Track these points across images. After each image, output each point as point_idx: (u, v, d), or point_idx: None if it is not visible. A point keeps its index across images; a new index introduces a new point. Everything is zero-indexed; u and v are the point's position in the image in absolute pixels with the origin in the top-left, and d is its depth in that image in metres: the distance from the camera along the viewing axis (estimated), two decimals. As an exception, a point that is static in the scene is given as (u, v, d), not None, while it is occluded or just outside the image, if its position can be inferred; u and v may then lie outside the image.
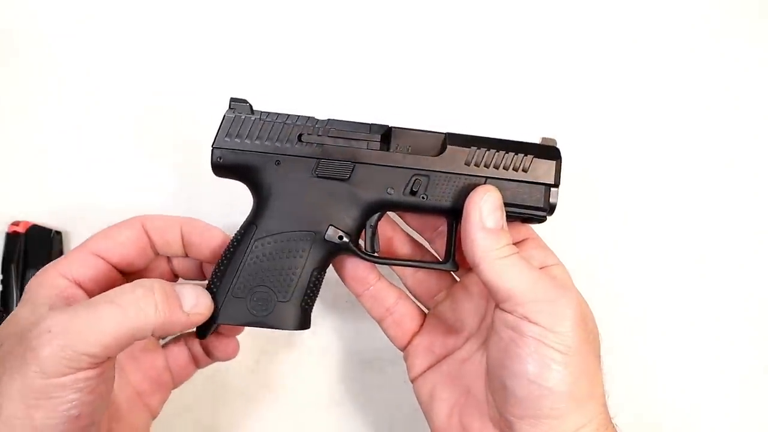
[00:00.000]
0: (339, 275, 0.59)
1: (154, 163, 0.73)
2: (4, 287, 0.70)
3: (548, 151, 0.54)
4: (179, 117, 0.73)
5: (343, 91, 0.73)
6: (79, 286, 0.49)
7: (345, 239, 0.53)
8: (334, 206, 0.53)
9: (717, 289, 0.71)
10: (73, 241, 0.73)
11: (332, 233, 0.53)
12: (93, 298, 0.44)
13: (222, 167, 0.54)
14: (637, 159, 0.72)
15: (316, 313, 0.71)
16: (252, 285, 0.52)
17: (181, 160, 0.72)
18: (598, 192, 0.72)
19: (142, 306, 0.44)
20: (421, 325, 0.60)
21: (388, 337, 0.60)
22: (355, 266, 0.58)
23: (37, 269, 0.68)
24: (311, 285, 0.53)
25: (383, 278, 0.59)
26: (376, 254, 0.56)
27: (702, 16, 0.73)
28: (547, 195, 0.53)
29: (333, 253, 0.54)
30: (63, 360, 0.41)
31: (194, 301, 0.48)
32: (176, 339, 0.60)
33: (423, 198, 0.53)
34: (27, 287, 0.48)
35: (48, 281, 0.48)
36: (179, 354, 0.59)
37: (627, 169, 0.72)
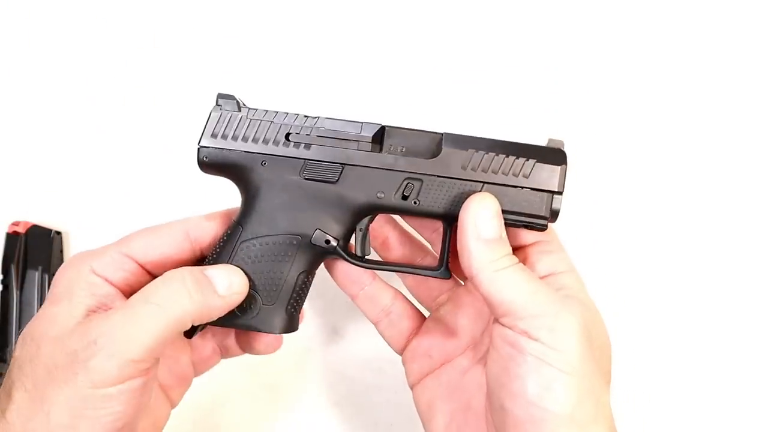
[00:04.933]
0: (332, 277, 0.57)
1: (154, 162, 0.73)
2: (4, 287, 0.70)
3: (553, 155, 0.50)
4: (180, 115, 0.73)
5: (341, 88, 0.73)
6: (111, 284, 0.48)
7: (332, 243, 0.51)
8: (322, 210, 0.51)
9: (722, 294, 0.70)
10: (73, 241, 0.73)
11: (319, 237, 0.51)
12: (129, 300, 0.44)
13: (208, 166, 0.52)
14: (640, 158, 0.72)
15: (316, 312, 0.72)
16: None
17: (181, 159, 0.72)
18: (599, 193, 0.71)
19: (176, 298, 0.44)
20: (419, 328, 0.57)
21: (384, 339, 0.58)
22: (347, 268, 0.56)
23: (37, 269, 0.70)
24: (297, 289, 0.51)
25: (378, 279, 0.57)
26: (364, 258, 0.53)
27: (707, 17, 0.73)
28: (549, 202, 0.49)
29: (320, 256, 0.52)
30: (112, 370, 0.41)
31: (227, 283, 0.47)
32: (201, 334, 0.58)
33: (415, 203, 0.50)
34: (57, 280, 0.48)
35: (82, 278, 0.47)
36: (203, 347, 0.57)
37: (629, 169, 0.72)
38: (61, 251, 0.72)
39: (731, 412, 0.69)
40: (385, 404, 0.70)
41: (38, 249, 0.70)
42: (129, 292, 0.47)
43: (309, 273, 0.52)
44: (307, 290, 0.53)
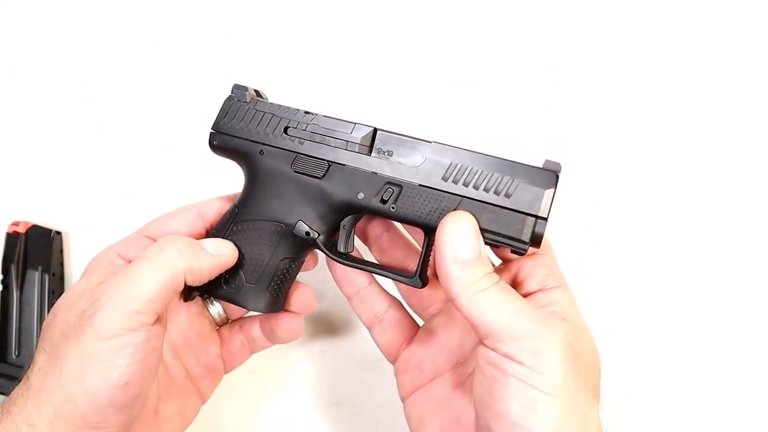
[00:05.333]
0: (331, 274, 0.58)
1: (154, 162, 0.73)
2: (4, 287, 0.70)
3: (542, 177, 0.48)
4: (180, 115, 0.73)
5: (340, 91, 0.73)
6: (129, 262, 0.52)
7: (312, 236, 0.53)
8: (306, 202, 0.53)
9: (721, 296, 0.71)
10: (73, 241, 0.73)
11: (300, 228, 0.53)
12: (132, 263, 0.48)
13: (217, 148, 0.55)
14: (640, 159, 0.72)
15: (316, 312, 0.72)
16: None
17: (181, 158, 0.72)
18: (599, 194, 0.71)
19: (168, 254, 0.47)
20: (412, 339, 0.57)
21: (378, 346, 0.58)
22: (344, 267, 0.56)
23: (37, 269, 0.69)
24: (279, 273, 0.53)
25: (375, 283, 0.58)
26: (344, 255, 0.54)
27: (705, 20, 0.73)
28: (531, 226, 0.47)
29: (302, 246, 0.54)
30: (115, 321, 0.44)
31: (216, 245, 0.51)
32: (230, 325, 0.60)
33: (392, 208, 0.51)
34: (88, 263, 0.53)
35: (106, 259, 0.52)
36: (231, 339, 0.60)
37: (629, 170, 0.72)
38: (61, 251, 0.72)
39: (731, 413, 0.69)
40: (385, 404, 0.70)
41: (38, 249, 0.70)
42: None
43: (292, 260, 0.54)
44: (291, 276, 0.55)
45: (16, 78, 0.75)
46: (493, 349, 0.45)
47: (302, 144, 0.53)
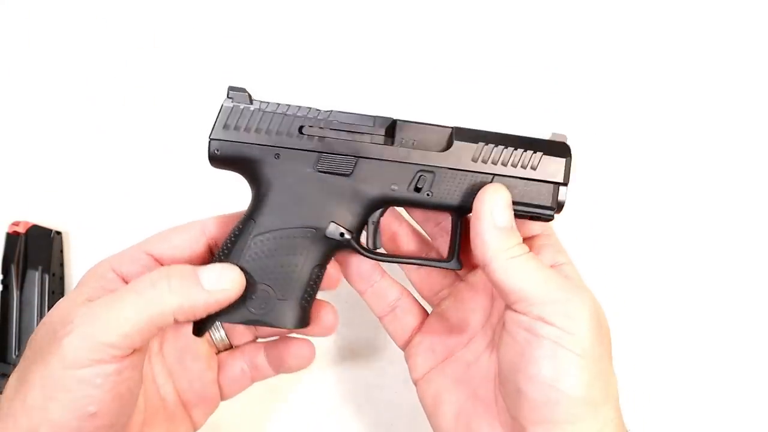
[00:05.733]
0: (343, 273, 0.57)
1: (154, 162, 0.73)
2: (4, 287, 0.70)
3: (558, 148, 0.52)
4: (180, 115, 0.73)
5: (341, 89, 0.73)
6: (125, 280, 0.49)
7: (346, 236, 0.51)
8: (336, 202, 0.51)
9: (722, 293, 0.71)
10: (73, 241, 0.73)
11: (333, 230, 0.51)
12: (118, 290, 0.45)
13: (219, 159, 0.51)
14: (642, 157, 0.72)
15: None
16: (251, 283, 0.49)
17: (182, 159, 0.72)
18: (598, 192, 0.71)
19: (157, 291, 0.43)
20: (422, 323, 0.59)
21: (388, 333, 0.59)
22: (360, 264, 0.57)
23: (37, 269, 0.69)
24: (311, 282, 0.51)
25: (386, 275, 0.59)
26: (378, 251, 0.54)
27: (709, 16, 0.73)
28: (556, 193, 0.51)
29: (334, 250, 0.52)
30: (83, 350, 0.41)
31: (216, 277, 0.46)
32: (231, 351, 0.57)
33: (428, 195, 0.51)
34: (83, 275, 0.49)
35: (99, 273, 0.49)
36: (231, 365, 0.57)
37: (628, 168, 0.72)
38: (61, 251, 0.72)
39: (731, 413, 0.69)
40: (385, 404, 0.70)
41: (38, 249, 0.70)
42: None
43: (322, 266, 0.52)
44: (319, 285, 0.53)
45: (16, 78, 0.75)
46: (525, 314, 0.47)
47: (322, 142, 0.51)
